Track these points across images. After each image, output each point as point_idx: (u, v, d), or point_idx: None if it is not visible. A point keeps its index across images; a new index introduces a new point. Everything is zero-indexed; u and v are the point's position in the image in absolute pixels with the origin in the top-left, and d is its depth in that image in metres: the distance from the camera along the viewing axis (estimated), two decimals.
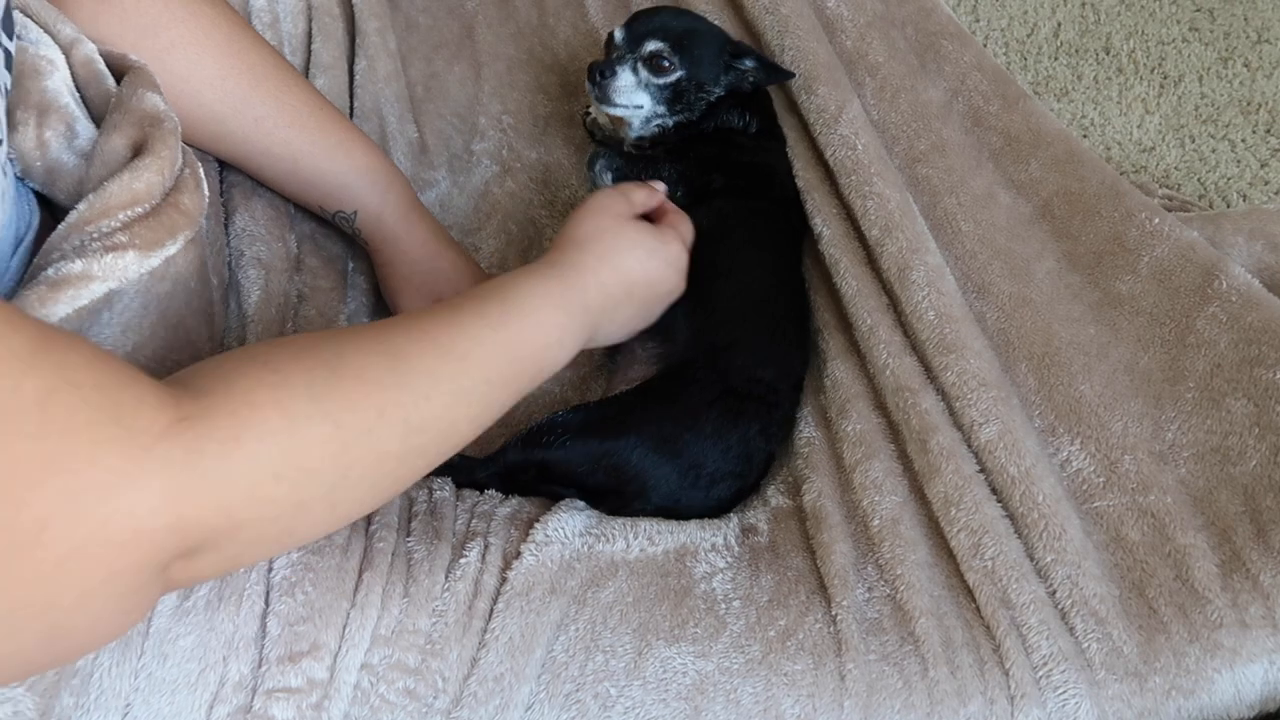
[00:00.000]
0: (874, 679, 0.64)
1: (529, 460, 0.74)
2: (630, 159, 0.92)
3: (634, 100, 0.88)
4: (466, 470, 0.75)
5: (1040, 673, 0.64)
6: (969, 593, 0.68)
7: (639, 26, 0.89)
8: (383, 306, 0.88)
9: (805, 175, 0.88)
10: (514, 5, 1.07)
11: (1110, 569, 0.68)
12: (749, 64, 0.89)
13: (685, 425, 0.76)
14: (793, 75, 0.88)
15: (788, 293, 0.87)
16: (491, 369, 0.58)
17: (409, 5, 1.05)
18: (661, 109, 0.89)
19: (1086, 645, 0.65)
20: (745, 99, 0.91)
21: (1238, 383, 0.74)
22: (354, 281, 0.86)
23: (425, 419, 0.53)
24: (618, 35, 0.89)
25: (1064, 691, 0.64)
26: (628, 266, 0.71)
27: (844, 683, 0.64)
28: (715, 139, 0.91)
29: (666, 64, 0.87)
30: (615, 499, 0.74)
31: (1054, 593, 0.67)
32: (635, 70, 0.88)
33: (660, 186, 0.81)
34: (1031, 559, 0.68)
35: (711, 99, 0.89)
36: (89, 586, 0.40)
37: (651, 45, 0.87)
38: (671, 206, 0.80)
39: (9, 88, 0.56)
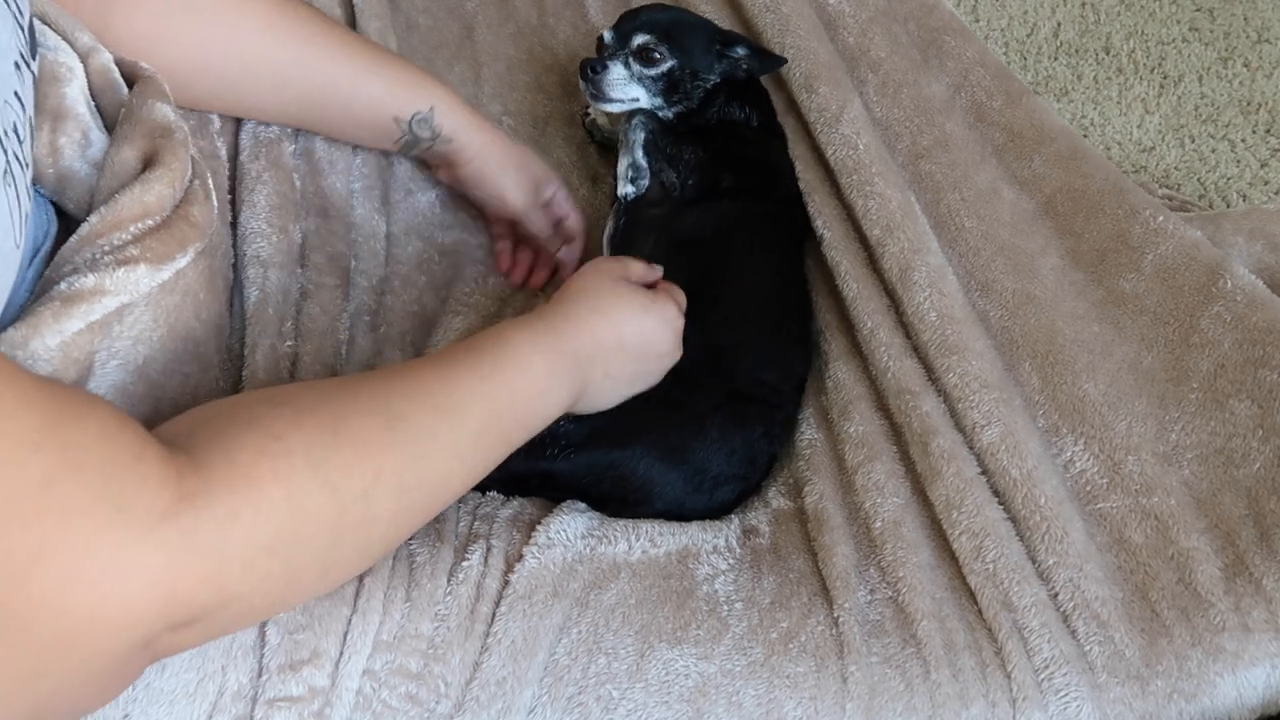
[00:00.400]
0: (876, 681, 0.64)
1: (533, 471, 0.73)
2: (665, 127, 0.91)
3: (628, 94, 0.89)
4: None
5: (1042, 676, 0.64)
6: (971, 595, 0.68)
7: (626, 24, 0.89)
8: (380, 309, 0.87)
9: (806, 176, 0.88)
10: (514, 5, 1.07)
11: (1113, 571, 0.68)
12: (741, 51, 0.89)
13: (691, 432, 0.75)
14: (784, 61, 0.88)
15: (791, 294, 0.87)
16: (485, 422, 0.58)
17: (409, 6, 1.05)
18: (658, 100, 0.89)
19: (1088, 648, 0.65)
20: (743, 92, 0.91)
21: (1242, 384, 0.74)
22: (355, 281, 0.86)
23: (420, 478, 0.54)
24: (607, 36, 0.90)
25: (1066, 694, 0.64)
26: (620, 317, 0.70)
27: (846, 685, 0.64)
28: (720, 131, 0.91)
29: (657, 55, 0.87)
30: (619, 505, 0.74)
31: (1056, 595, 0.67)
32: (627, 64, 0.88)
33: (658, 268, 0.79)
34: (1033, 561, 0.68)
35: (708, 86, 0.90)
36: (77, 665, 0.41)
37: (639, 38, 0.87)
38: (667, 285, 0.78)
39: (33, 118, 0.56)
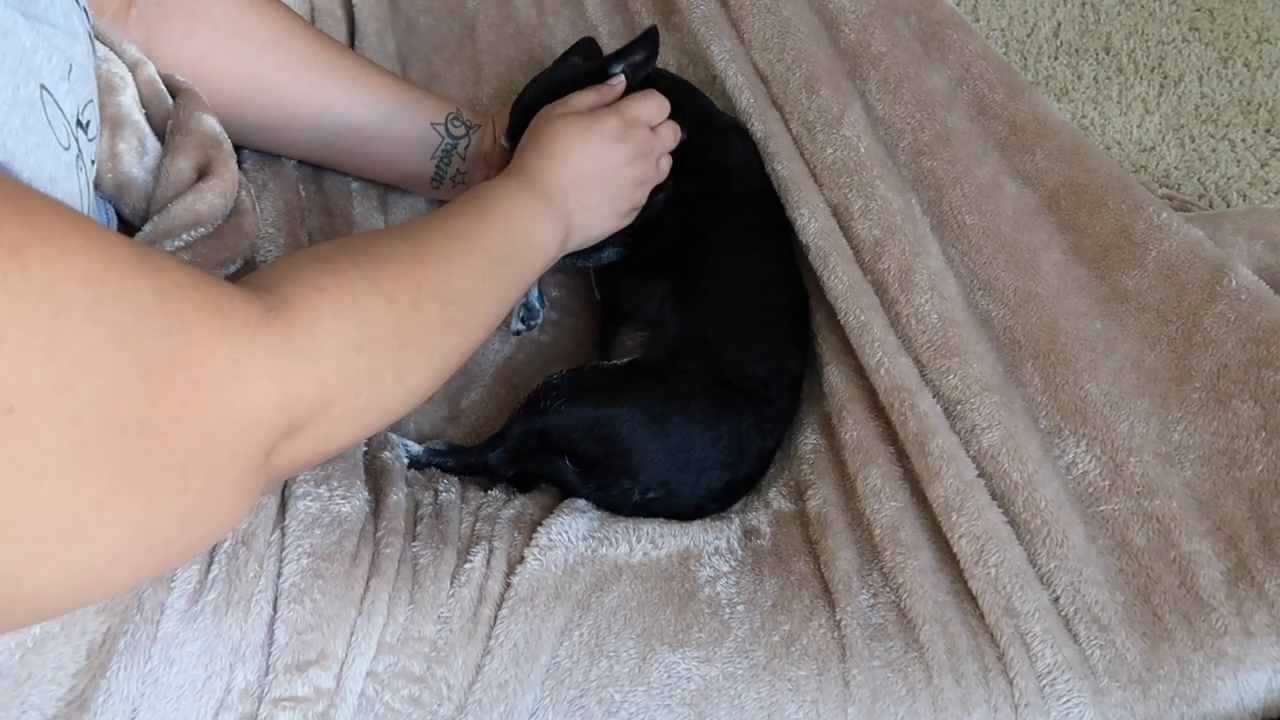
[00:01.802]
0: (878, 685, 0.64)
1: (530, 429, 0.75)
2: None
3: None
4: (478, 454, 0.77)
5: (1044, 681, 0.64)
6: (973, 599, 0.68)
7: (515, 124, 0.85)
8: None
9: (789, 169, 0.86)
10: (514, 5, 1.07)
11: (1114, 575, 0.68)
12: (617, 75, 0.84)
13: (675, 408, 0.76)
14: (653, 40, 0.84)
15: (778, 287, 0.86)
16: (494, 245, 0.64)
17: (409, 6, 1.05)
18: None
19: (1090, 653, 0.65)
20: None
21: (1245, 384, 0.73)
22: None
23: (454, 292, 0.58)
24: (505, 143, 0.86)
25: (1068, 700, 0.64)
26: (565, 150, 0.74)
27: (848, 689, 0.64)
28: None
29: None
30: (605, 472, 0.75)
31: (1057, 599, 0.67)
32: None
33: (611, 87, 0.81)
34: (1034, 565, 0.68)
35: None
36: (214, 469, 0.43)
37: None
38: (625, 101, 0.80)
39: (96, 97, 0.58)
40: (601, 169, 0.75)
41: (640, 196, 0.80)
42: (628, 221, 0.80)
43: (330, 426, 0.51)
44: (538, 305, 0.86)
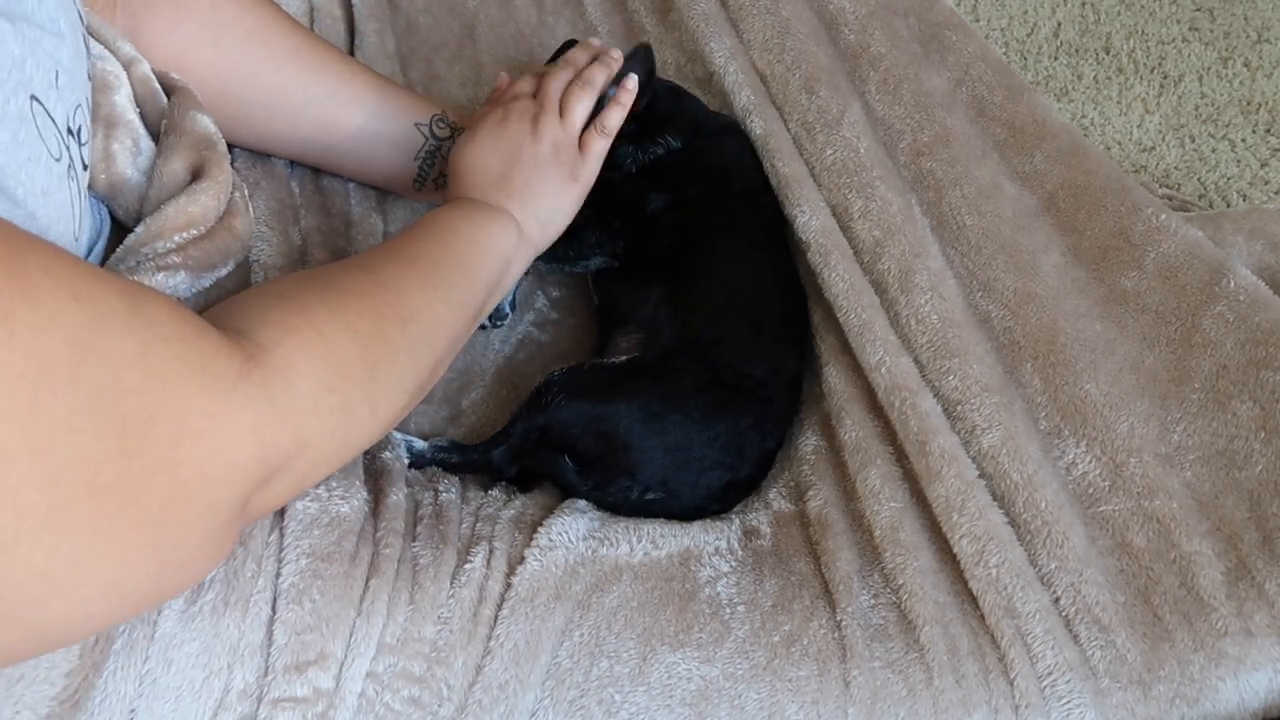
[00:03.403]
0: (878, 686, 0.64)
1: (532, 426, 0.76)
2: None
3: None
4: (482, 452, 0.77)
5: (1045, 683, 0.64)
6: (973, 599, 0.68)
7: None
8: None
9: (790, 167, 0.86)
10: (514, 5, 1.07)
11: (1115, 575, 0.68)
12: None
13: (673, 406, 0.76)
14: (647, 44, 0.83)
15: (775, 287, 0.86)
16: (436, 257, 0.65)
17: (409, 6, 1.05)
18: None
19: (1091, 653, 0.65)
20: (650, 128, 0.86)
21: (1244, 385, 0.73)
22: None
23: (410, 309, 0.59)
24: None
25: (1068, 701, 0.64)
26: (466, 163, 0.76)
27: (848, 689, 0.64)
28: (640, 176, 0.87)
29: None
30: (604, 470, 0.75)
31: (1057, 600, 0.67)
32: None
33: (521, 83, 0.81)
34: (1034, 566, 0.68)
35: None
36: (189, 524, 0.44)
37: None
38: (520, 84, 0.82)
39: (90, 125, 0.59)
40: (502, 155, 0.76)
41: (569, 152, 0.78)
42: (581, 184, 0.78)
43: (306, 469, 0.52)
44: (506, 308, 0.87)
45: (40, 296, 0.37)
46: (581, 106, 0.79)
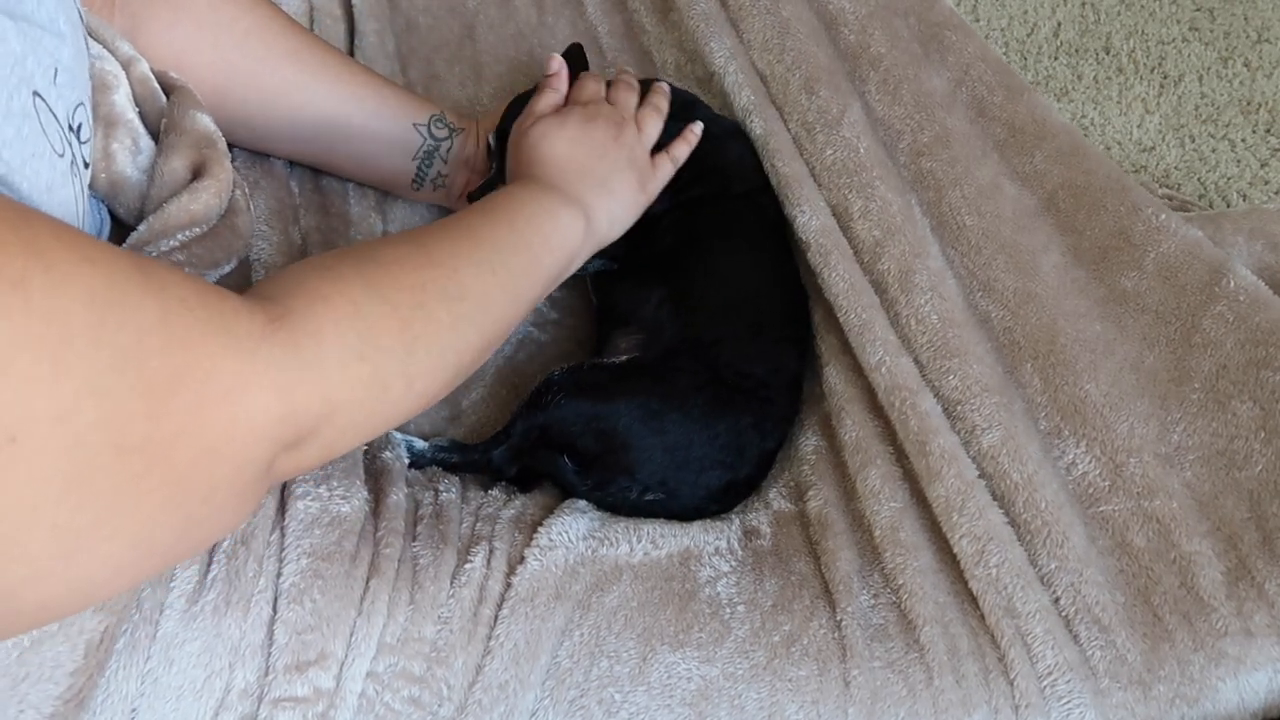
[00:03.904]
0: (878, 686, 0.64)
1: (532, 425, 0.76)
2: None
3: None
4: (482, 452, 0.77)
5: (1045, 683, 0.64)
6: (973, 599, 0.68)
7: (507, 129, 0.85)
8: None
9: (790, 166, 0.86)
10: (514, 5, 1.07)
11: (1115, 575, 0.68)
12: None
13: (672, 405, 0.76)
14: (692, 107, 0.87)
15: (775, 287, 0.86)
16: (499, 239, 0.64)
17: (409, 5, 1.05)
18: None
19: (1091, 654, 0.65)
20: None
21: (1244, 385, 0.73)
22: None
23: (461, 288, 0.58)
24: (492, 140, 0.87)
25: (1069, 702, 0.64)
26: (550, 150, 0.76)
27: (848, 689, 0.64)
28: None
29: None
30: (603, 469, 0.75)
31: (1057, 600, 0.67)
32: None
33: (556, 77, 0.83)
34: (1034, 566, 0.68)
35: None
36: (216, 483, 0.44)
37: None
38: (575, 87, 0.83)
39: (91, 124, 0.59)
40: (589, 150, 0.77)
41: (644, 164, 0.80)
42: (647, 195, 0.81)
43: (334, 435, 0.51)
44: None
45: (55, 259, 0.37)
46: (654, 127, 0.83)
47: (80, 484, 0.38)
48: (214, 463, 0.43)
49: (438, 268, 0.58)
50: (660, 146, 0.84)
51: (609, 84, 0.85)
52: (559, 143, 0.77)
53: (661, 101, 0.85)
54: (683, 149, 0.84)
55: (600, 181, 0.76)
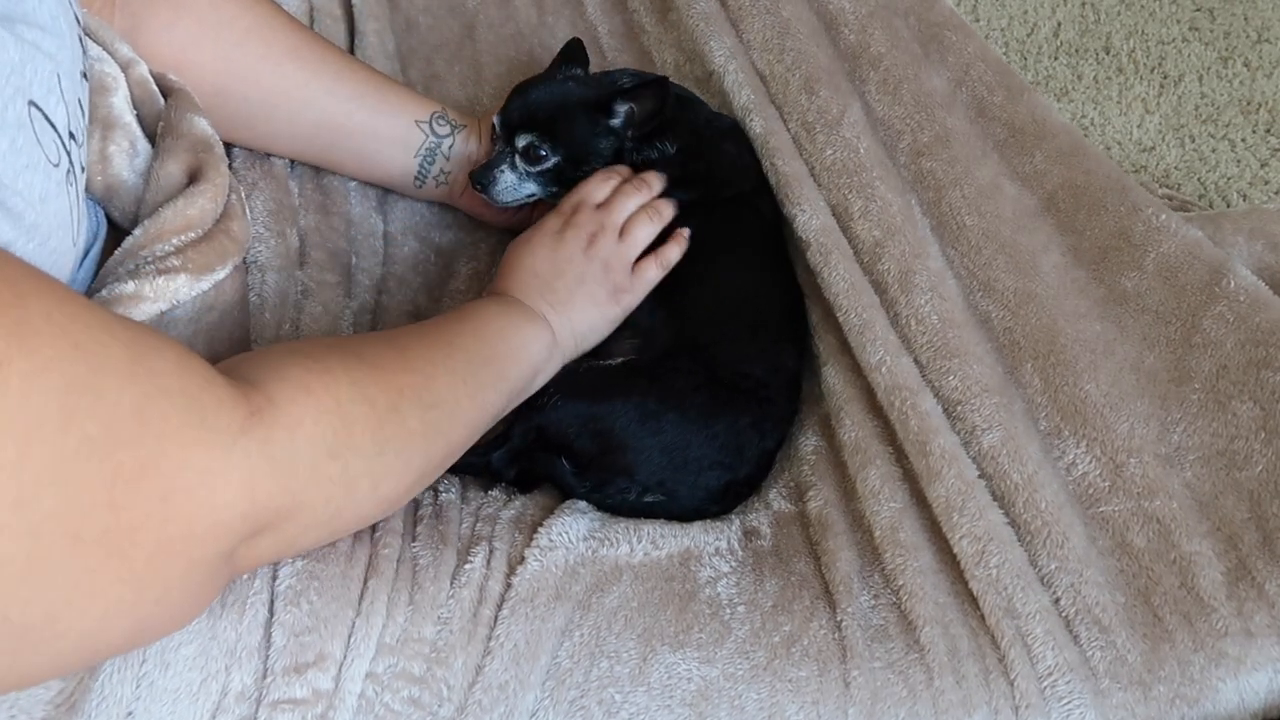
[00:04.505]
0: (879, 687, 0.64)
1: (530, 426, 0.75)
2: None
3: (522, 192, 0.86)
4: (481, 454, 0.77)
5: (1045, 683, 0.64)
6: (973, 600, 0.67)
7: (513, 113, 0.85)
8: (378, 308, 0.87)
9: (790, 166, 0.86)
10: (514, 5, 1.07)
11: (1115, 576, 0.68)
12: (618, 121, 0.85)
13: (670, 405, 0.76)
14: (665, 79, 0.85)
15: (772, 288, 0.86)
16: (470, 349, 0.65)
17: (409, 5, 1.05)
18: (554, 188, 0.87)
19: (1091, 654, 0.65)
20: (657, 128, 0.87)
21: (1244, 385, 0.73)
22: (356, 278, 0.86)
23: (434, 396, 0.59)
24: (497, 123, 0.87)
25: (1069, 702, 0.64)
26: (517, 261, 0.78)
27: (849, 690, 0.64)
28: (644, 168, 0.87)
29: (541, 153, 0.84)
30: (601, 470, 0.75)
31: (1057, 601, 0.67)
32: (514, 165, 0.85)
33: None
34: (1035, 566, 0.68)
35: (600, 165, 0.86)
36: (172, 579, 0.44)
37: (523, 139, 0.84)
38: (576, 188, 0.83)
39: (87, 126, 0.59)
40: (553, 266, 0.77)
41: (620, 274, 0.80)
42: (622, 307, 0.80)
43: (296, 532, 0.51)
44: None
45: (39, 345, 0.37)
46: (645, 233, 0.82)
47: (34, 576, 0.38)
48: (172, 558, 0.43)
49: (415, 374, 0.58)
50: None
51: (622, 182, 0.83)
52: (523, 254, 0.78)
53: (666, 209, 0.83)
54: (674, 252, 0.83)
55: (563, 299, 0.76)
